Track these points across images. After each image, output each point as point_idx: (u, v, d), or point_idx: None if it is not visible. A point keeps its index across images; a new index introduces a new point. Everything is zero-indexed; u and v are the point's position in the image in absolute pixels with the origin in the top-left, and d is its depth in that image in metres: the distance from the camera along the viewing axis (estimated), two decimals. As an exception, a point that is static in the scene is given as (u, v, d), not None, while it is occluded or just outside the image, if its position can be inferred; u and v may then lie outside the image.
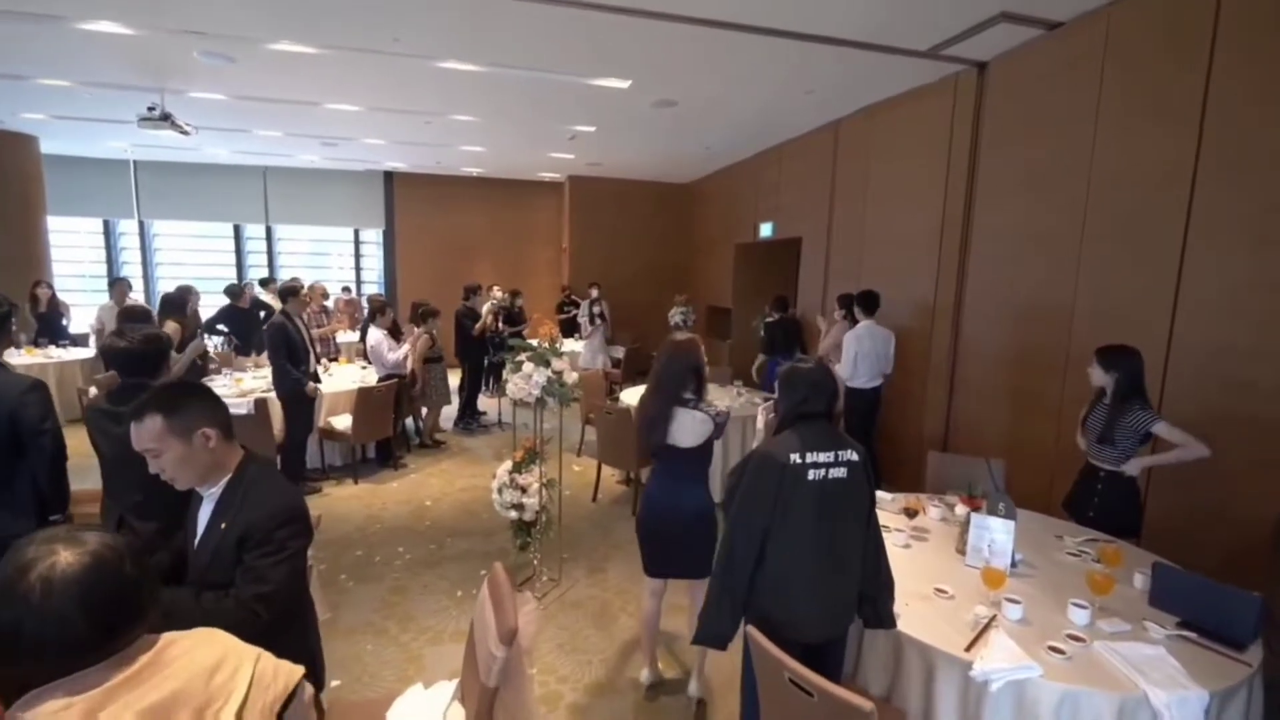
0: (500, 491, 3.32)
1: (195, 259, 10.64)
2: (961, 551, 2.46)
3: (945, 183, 4.81)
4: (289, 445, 4.80)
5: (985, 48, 4.29)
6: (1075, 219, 3.73)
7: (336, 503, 4.78)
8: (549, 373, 3.17)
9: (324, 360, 5.99)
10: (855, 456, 1.91)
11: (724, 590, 1.91)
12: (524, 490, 3.27)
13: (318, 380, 5.08)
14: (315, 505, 4.66)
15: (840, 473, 1.88)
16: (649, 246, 10.82)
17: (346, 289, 9.81)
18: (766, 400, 5.36)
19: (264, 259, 10.77)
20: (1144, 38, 3.34)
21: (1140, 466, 2.72)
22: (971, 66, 4.57)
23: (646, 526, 2.59)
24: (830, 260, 6.39)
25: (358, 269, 11.22)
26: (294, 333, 4.66)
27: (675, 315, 8.65)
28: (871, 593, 1.96)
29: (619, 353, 8.98)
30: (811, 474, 1.85)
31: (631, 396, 5.41)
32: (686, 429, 2.42)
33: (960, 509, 2.48)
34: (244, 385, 5.36)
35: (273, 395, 4.82)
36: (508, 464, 3.38)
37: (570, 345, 8.89)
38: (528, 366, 3.17)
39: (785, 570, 1.87)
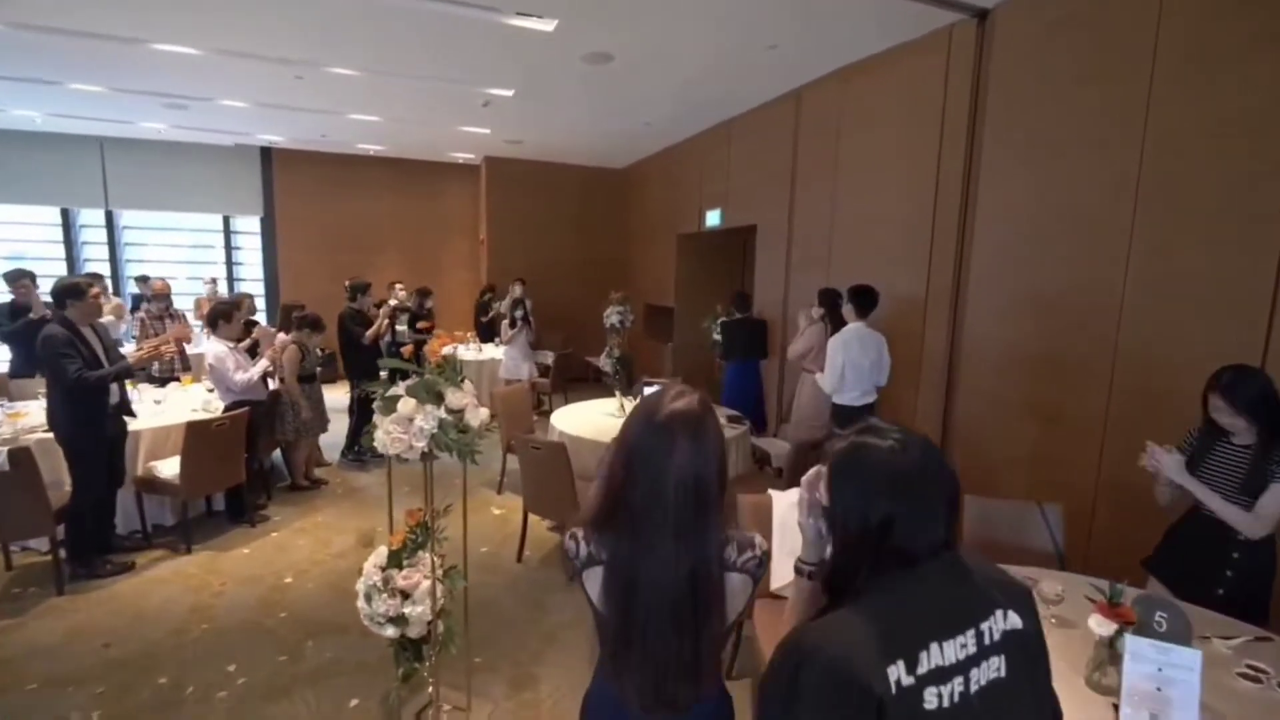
0: (369, 599, 2.15)
1: (5, 251, 8.51)
2: (1100, 690, 1.57)
3: (938, 156, 4.03)
4: (77, 509, 3.37)
5: (991, -11, 3.52)
6: (1123, 192, 2.98)
7: (152, 588, 3.39)
8: (442, 413, 2.05)
9: (132, 384, 4.48)
10: (1019, 621, 0.92)
11: None
12: (407, 596, 2.13)
13: (128, 411, 3.67)
14: (116, 597, 3.26)
15: (995, 669, 0.88)
16: (578, 238, 9.68)
17: (212, 281, 8.08)
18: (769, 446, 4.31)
19: (104, 251, 8.80)
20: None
21: (1179, 470, 2.03)
22: (970, 16, 3.79)
23: None
24: (792, 250, 5.54)
25: (229, 264, 9.43)
26: (80, 348, 3.25)
27: (612, 315, 7.58)
28: None
29: (547, 358, 7.84)
30: (934, 697, 0.83)
31: (565, 419, 4.32)
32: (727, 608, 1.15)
33: (1099, 624, 1.58)
34: (26, 420, 3.85)
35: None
36: (380, 552, 2.22)
37: (490, 351, 7.69)
38: (407, 403, 2.02)
39: None
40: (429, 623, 2.19)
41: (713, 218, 6.86)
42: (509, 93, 5.75)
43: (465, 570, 2.34)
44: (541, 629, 3.09)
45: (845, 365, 3.64)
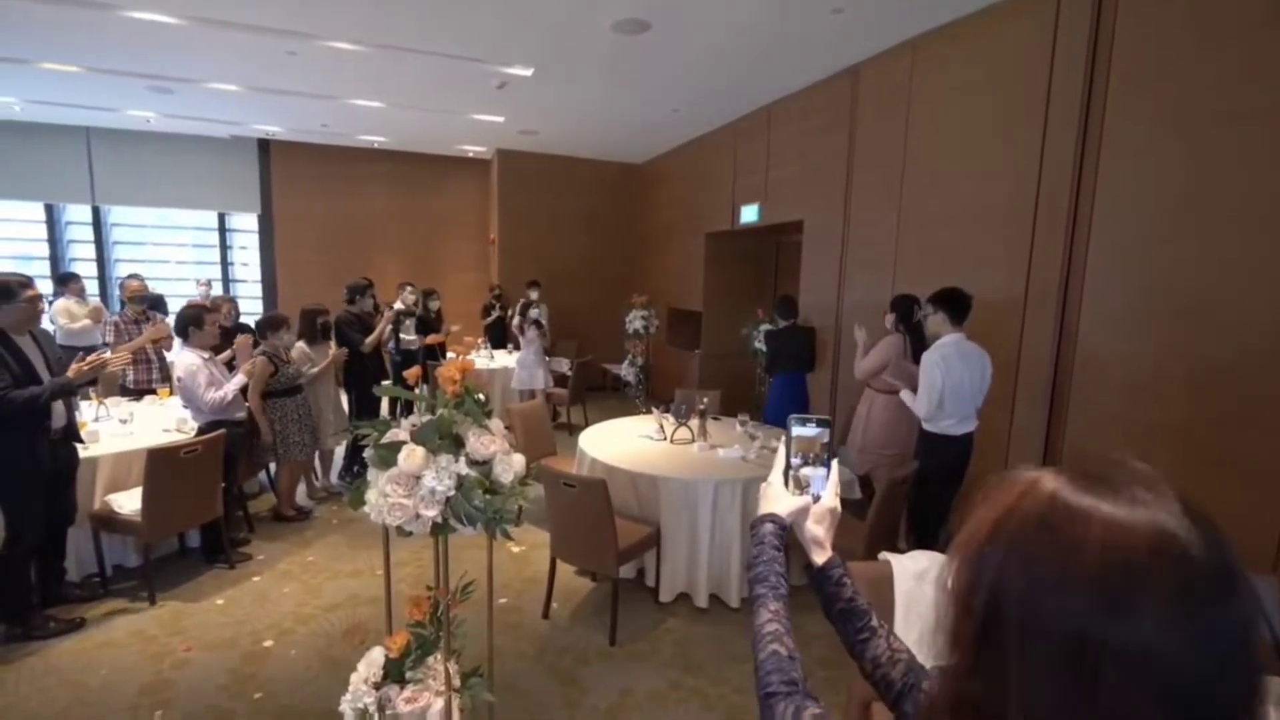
0: (355, 730, 1.53)
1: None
2: None
3: (1042, 134, 3.40)
4: (8, 558, 2.75)
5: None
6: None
7: (100, 655, 2.77)
8: (461, 466, 1.42)
9: (97, 399, 3.89)
10: None
11: None
12: (409, 726, 1.50)
13: (76, 437, 3.07)
14: (53, 669, 2.57)
15: None
16: (592, 238, 9.05)
17: (206, 283, 7.49)
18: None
19: (91, 250, 8.24)
20: None
21: None
22: (1086, -36, 3.17)
23: None
24: (848, 248, 4.91)
25: (225, 264, 8.86)
26: (9, 362, 2.65)
27: (635, 320, 7.02)
28: None
29: (563, 366, 7.21)
30: None
31: (597, 444, 3.69)
32: None
33: None
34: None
35: None
36: (371, 659, 1.59)
37: (502, 358, 7.07)
38: (412, 454, 1.40)
39: None
40: (441, 755, 1.57)
41: (749, 213, 6.23)
42: (527, 72, 5.15)
43: (491, 672, 1.71)
44: (579, 715, 2.45)
45: (945, 389, 2.99)
